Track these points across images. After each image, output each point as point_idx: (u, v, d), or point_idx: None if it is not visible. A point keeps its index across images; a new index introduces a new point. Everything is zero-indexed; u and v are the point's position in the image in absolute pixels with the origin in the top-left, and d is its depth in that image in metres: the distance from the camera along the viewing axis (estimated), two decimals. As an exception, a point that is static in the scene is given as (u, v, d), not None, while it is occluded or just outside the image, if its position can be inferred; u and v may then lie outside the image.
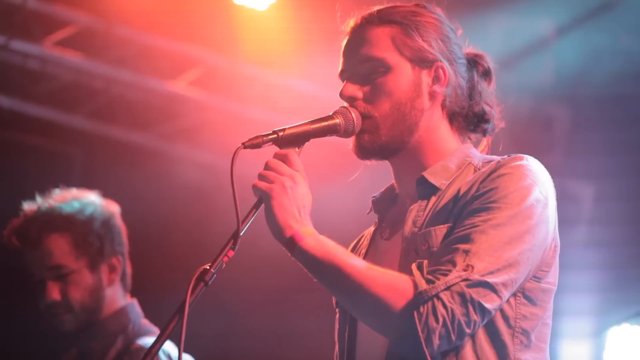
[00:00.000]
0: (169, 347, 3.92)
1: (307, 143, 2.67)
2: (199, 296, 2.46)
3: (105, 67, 7.15)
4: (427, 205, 2.69)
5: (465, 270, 2.44)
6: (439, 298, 2.42)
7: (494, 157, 2.75)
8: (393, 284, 2.47)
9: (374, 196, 2.90)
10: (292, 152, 2.61)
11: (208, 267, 2.47)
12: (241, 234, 2.51)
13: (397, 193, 2.85)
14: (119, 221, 4.10)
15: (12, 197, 6.93)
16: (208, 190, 7.49)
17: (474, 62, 2.86)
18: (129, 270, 4.11)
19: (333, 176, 6.29)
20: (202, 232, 7.14)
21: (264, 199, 2.56)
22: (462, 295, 2.43)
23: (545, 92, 7.45)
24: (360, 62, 2.75)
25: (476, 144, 2.88)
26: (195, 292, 2.45)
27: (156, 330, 4.01)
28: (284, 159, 2.60)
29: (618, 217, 7.86)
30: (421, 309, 2.42)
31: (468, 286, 2.43)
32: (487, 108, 2.84)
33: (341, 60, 2.81)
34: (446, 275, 2.44)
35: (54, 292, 3.94)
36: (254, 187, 2.57)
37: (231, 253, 2.51)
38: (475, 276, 2.44)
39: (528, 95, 7.09)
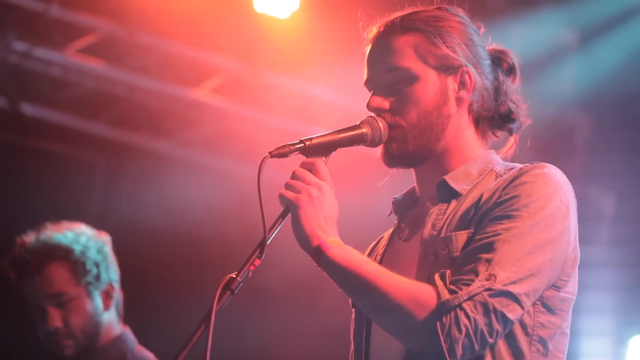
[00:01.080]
0: None
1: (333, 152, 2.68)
2: (225, 305, 2.47)
3: (128, 74, 7.17)
4: (447, 209, 2.68)
5: (487, 279, 2.43)
6: (461, 308, 2.42)
7: (516, 164, 2.74)
8: (416, 293, 2.47)
9: (395, 198, 2.90)
10: (319, 161, 2.62)
11: (234, 276, 2.48)
12: (268, 242, 2.52)
13: (418, 196, 2.85)
14: (110, 249, 4.21)
15: (35, 205, 6.98)
16: (230, 198, 7.49)
17: (498, 59, 2.85)
18: (121, 297, 4.23)
19: (356, 183, 6.30)
20: (225, 240, 7.15)
21: (290, 208, 2.57)
22: (484, 305, 2.42)
23: (566, 99, 7.44)
24: (385, 72, 2.75)
25: (503, 143, 2.87)
26: (222, 301, 2.46)
27: (151, 357, 4.15)
28: (311, 167, 2.60)
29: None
30: (444, 320, 2.42)
31: (491, 296, 2.43)
32: (513, 107, 2.83)
33: (366, 69, 2.81)
34: (469, 285, 2.44)
35: (56, 319, 4.06)
36: (281, 196, 2.58)
37: (257, 262, 2.51)
38: (498, 286, 2.43)
39: (549, 102, 7.08)
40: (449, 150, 2.76)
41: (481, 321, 2.42)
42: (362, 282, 2.50)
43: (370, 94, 2.77)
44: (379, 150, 2.76)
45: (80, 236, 4.14)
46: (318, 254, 2.54)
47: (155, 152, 7.63)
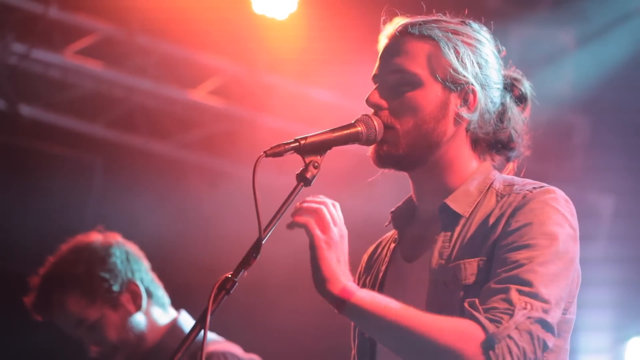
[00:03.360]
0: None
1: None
2: (221, 305, 2.47)
3: (126, 76, 7.17)
4: (452, 235, 2.68)
5: (525, 308, 2.46)
6: (510, 337, 2.44)
7: (514, 178, 2.75)
8: (459, 329, 2.47)
9: (392, 211, 2.89)
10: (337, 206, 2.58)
11: (230, 276, 2.47)
12: (263, 242, 2.51)
13: (416, 206, 2.84)
14: (121, 249, 4.13)
15: (33, 206, 6.98)
16: (227, 198, 7.49)
17: (510, 85, 2.84)
18: (159, 284, 4.16)
19: (354, 182, 6.30)
20: (220, 241, 7.14)
21: (311, 247, 2.51)
22: (530, 334, 2.45)
23: (564, 101, 7.44)
24: (392, 72, 2.74)
25: (500, 167, 2.85)
26: (217, 301, 2.45)
27: (215, 336, 4.05)
28: (331, 208, 2.55)
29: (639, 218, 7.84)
30: (497, 350, 2.43)
31: (532, 324, 2.46)
32: (514, 135, 2.82)
33: (377, 63, 2.80)
34: (510, 315, 2.45)
35: (92, 343, 4.05)
36: (306, 228, 2.52)
37: (253, 261, 2.51)
38: (535, 314, 2.46)
39: (547, 104, 7.07)
40: (444, 164, 2.76)
41: (529, 349, 2.45)
42: (399, 325, 2.48)
43: (372, 88, 2.77)
44: (369, 150, 2.75)
45: (82, 253, 4.08)
46: (341, 299, 2.49)
47: (154, 154, 7.63)
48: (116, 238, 4.17)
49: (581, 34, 7.34)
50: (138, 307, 4.06)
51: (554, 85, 7.23)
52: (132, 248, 4.17)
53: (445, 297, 2.58)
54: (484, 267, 2.57)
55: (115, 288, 4.04)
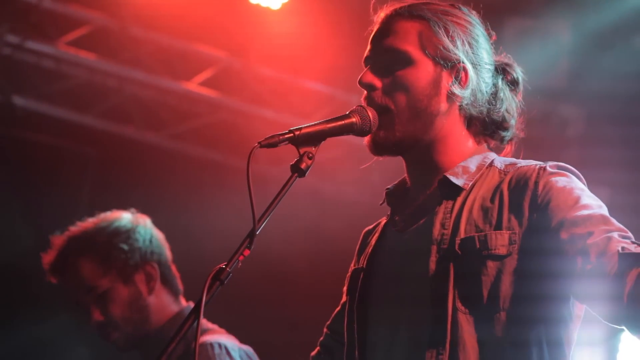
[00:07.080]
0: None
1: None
2: (215, 295, 2.46)
3: (119, 67, 7.17)
4: (453, 207, 2.70)
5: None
6: None
7: (514, 160, 2.78)
8: None
9: (387, 188, 2.91)
10: None
11: (224, 266, 2.46)
12: (257, 233, 2.50)
13: (409, 187, 2.86)
14: (147, 230, 4.13)
15: (27, 197, 6.97)
16: (221, 189, 7.49)
17: (502, 70, 2.86)
18: (175, 274, 4.15)
19: (349, 174, 6.31)
20: (214, 231, 7.14)
21: None
22: None
23: (559, 92, 7.44)
24: (384, 52, 2.76)
25: (496, 150, 2.87)
26: (211, 292, 2.44)
27: (214, 327, 4.04)
28: None
29: (633, 212, 7.84)
30: None
31: None
32: (507, 116, 2.84)
33: (368, 47, 2.81)
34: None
35: (96, 314, 4.02)
36: None
37: (247, 252, 2.50)
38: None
39: (542, 96, 7.07)
40: (439, 144, 2.77)
41: None
42: None
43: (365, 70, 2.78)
44: (365, 138, 2.76)
45: (108, 225, 4.09)
46: None
47: (147, 144, 7.62)
48: (145, 220, 4.19)
49: (576, 25, 7.34)
50: (150, 290, 4.05)
51: (549, 76, 7.24)
52: (159, 235, 4.19)
53: (463, 262, 2.60)
54: (517, 239, 2.59)
55: (132, 263, 4.04)
